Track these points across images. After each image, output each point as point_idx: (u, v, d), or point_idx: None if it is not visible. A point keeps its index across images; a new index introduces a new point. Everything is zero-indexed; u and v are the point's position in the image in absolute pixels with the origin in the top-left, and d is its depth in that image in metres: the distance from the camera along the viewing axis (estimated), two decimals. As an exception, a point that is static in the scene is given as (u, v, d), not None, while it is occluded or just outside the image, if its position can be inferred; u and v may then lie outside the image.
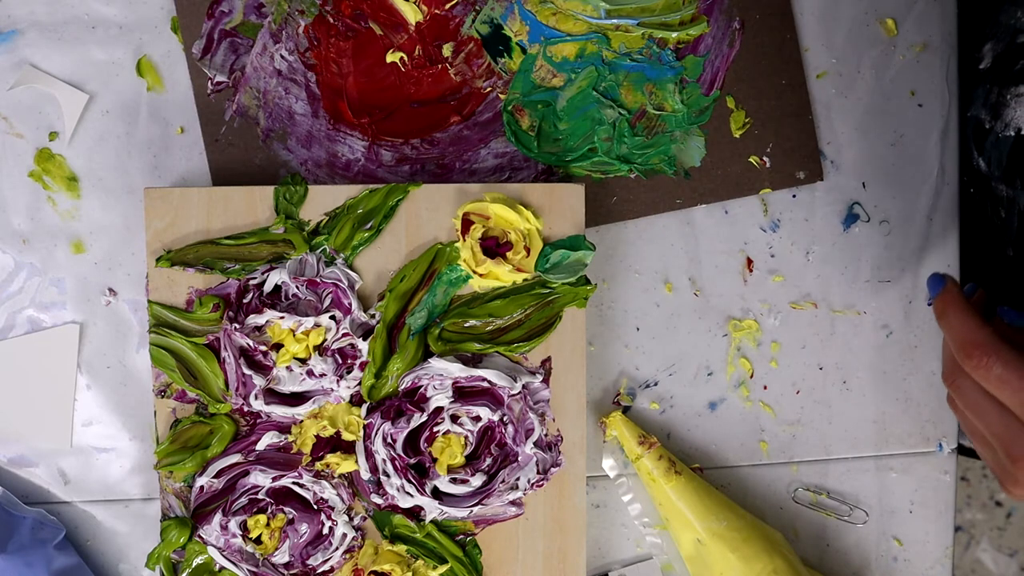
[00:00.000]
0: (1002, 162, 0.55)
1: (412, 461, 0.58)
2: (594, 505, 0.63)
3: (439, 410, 0.58)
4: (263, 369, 0.57)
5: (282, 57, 0.59)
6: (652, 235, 0.62)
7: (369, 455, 0.58)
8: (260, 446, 0.58)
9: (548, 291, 0.58)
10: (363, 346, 0.57)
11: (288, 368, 0.57)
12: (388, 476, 0.57)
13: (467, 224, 0.57)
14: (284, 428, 0.58)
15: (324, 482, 0.58)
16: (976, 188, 0.59)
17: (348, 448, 0.58)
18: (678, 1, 0.60)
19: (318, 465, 0.58)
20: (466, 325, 0.58)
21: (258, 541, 0.58)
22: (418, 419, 0.57)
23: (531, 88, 0.60)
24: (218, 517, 0.57)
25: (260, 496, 0.58)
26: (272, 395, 0.58)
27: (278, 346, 0.57)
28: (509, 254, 0.58)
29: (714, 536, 0.59)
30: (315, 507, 0.58)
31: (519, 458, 0.58)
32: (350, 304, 0.57)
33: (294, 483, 0.58)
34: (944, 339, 0.51)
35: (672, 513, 0.60)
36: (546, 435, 0.59)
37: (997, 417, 0.48)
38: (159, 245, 0.57)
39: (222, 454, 0.57)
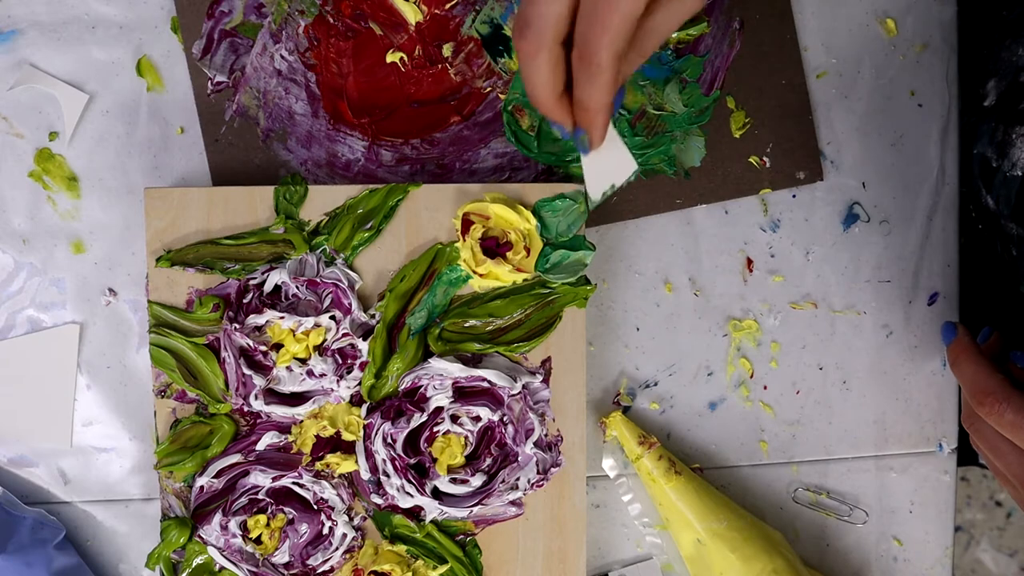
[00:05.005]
0: (1011, 200, 0.56)
1: (412, 461, 0.58)
2: (594, 505, 0.63)
3: (439, 410, 0.58)
4: (263, 369, 0.57)
5: (282, 57, 0.60)
6: (652, 235, 0.62)
7: (369, 455, 0.58)
8: (260, 446, 0.58)
9: (548, 291, 0.58)
10: (363, 346, 0.57)
11: (288, 368, 0.57)
12: (388, 476, 0.57)
13: (467, 224, 0.57)
14: (284, 428, 0.58)
15: (324, 482, 0.58)
16: (985, 225, 0.60)
17: (348, 448, 0.58)
18: (678, 1, 0.60)
19: (318, 465, 0.58)
20: (466, 325, 0.58)
21: (258, 541, 0.58)
22: (418, 419, 0.57)
23: (531, 88, 0.60)
24: (218, 517, 0.57)
25: (260, 496, 0.58)
26: (272, 395, 0.58)
27: (278, 346, 0.57)
28: (509, 254, 0.58)
29: (714, 536, 0.59)
30: (315, 507, 0.58)
31: (519, 458, 0.58)
32: (350, 304, 0.57)
33: (294, 483, 0.58)
34: None
35: (672, 513, 0.60)
36: (546, 435, 0.59)
37: (1015, 458, 0.51)
38: (159, 245, 0.57)
39: (222, 454, 0.57)
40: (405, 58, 0.60)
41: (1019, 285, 0.58)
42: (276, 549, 0.58)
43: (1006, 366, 0.53)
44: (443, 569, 0.58)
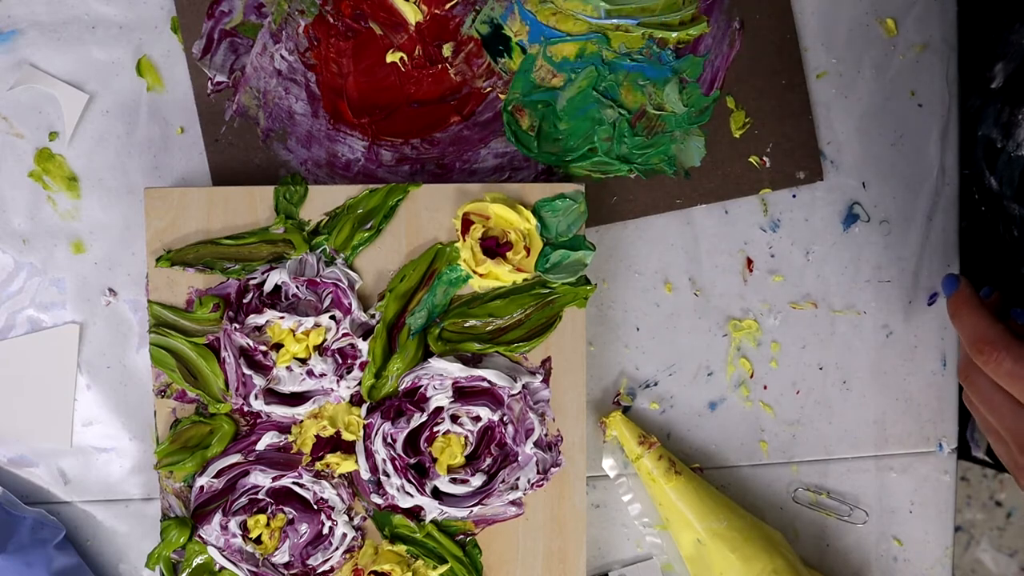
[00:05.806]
0: (1014, 181, 0.56)
1: (412, 461, 0.58)
2: (594, 505, 0.63)
3: (439, 410, 0.58)
4: (263, 369, 0.57)
5: (282, 57, 0.60)
6: (652, 235, 0.62)
7: (369, 455, 0.58)
8: (260, 446, 0.58)
9: (548, 291, 0.58)
10: (363, 346, 0.57)
11: (288, 368, 0.57)
12: (388, 476, 0.58)
13: (467, 224, 0.57)
14: (284, 428, 0.58)
15: (324, 482, 0.58)
16: (988, 207, 0.60)
17: (348, 448, 0.58)
18: (678, 1, 0.60)
19: (318, 465, 0.58)
20: (466, 325, 0.58)
21: (258, 541, 0.58)
22: (418, 419, 0.57)
23: (531, 88, 0.60)
24: (218, 517, 0.57)
25: (260, 496, 0.58)
26: (272, 395, 0.58)
27: (278, 346, 0.57)
28: (509, 254, 0.58)
29: (714, 536, 0.59)
30: (315, 507, 0.58)
31: (519, 458, 0.59)
32: (350, 304, 0.57)
33: (294, 483, 0.58)
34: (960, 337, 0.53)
35: (672, 513, 0.60)
36: (546, 435, 0.59)
37: (1009, 411, 0.50)
38: (159, 245, 0.57)
39: (222, 454, 0.57)
40: (405, 58, 0.60)
41: (1020, 267, 0.58)
42: (276, 549, 0.58)
43: (1007, 323, 0.53)
44: (443, 569, 0.58)
